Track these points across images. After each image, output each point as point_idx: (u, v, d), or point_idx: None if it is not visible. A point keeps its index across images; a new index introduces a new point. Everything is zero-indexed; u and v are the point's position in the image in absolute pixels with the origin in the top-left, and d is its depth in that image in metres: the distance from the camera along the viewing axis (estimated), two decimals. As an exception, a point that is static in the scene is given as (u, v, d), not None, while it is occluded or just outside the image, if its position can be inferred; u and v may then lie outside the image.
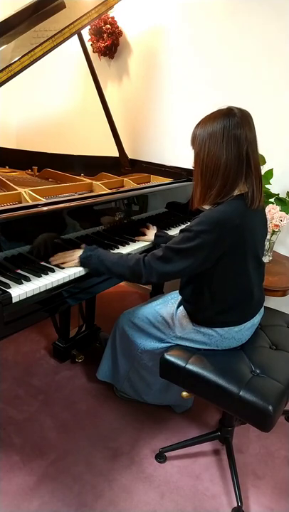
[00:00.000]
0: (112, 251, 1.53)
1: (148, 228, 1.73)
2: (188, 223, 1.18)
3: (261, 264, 1.32)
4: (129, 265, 1.27)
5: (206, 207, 1.22)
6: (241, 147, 1.11)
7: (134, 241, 1.65)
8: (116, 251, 1.54)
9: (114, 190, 1.71)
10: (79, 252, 1.35)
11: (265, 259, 1.89)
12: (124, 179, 1.97)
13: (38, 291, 1.17)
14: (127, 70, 2.45)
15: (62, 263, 1.33)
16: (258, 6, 1.90)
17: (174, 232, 1.85)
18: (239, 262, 1.20)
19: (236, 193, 1.17)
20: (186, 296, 1.35)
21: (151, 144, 2.46)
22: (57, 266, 1.32)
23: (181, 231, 1.18)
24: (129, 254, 1.34)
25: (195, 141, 1.17)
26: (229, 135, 1.10)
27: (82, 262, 1.33)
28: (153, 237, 1.64)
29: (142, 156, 2.38)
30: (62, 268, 1.31)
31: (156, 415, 1.66)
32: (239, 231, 1.14)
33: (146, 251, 1.62)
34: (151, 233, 1.68)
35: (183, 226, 1.92)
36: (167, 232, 1.73)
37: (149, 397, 1.60)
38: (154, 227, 1.74)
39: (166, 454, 1.48)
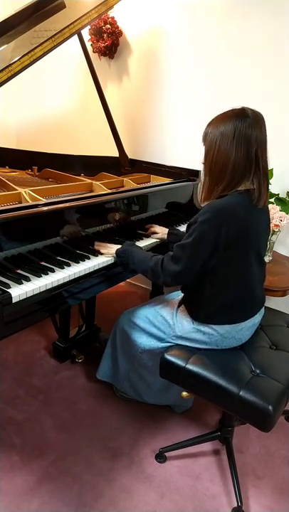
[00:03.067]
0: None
1: (155, 227, 1.74)
2: (194, 217, 1.21)
3: (263, 263, 1.32)
4: (150, 265, 1.32)
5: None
6: (251, 148, 1.13)
7: (137, 240, 1.65)
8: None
9: (114, 190, 1.71)
10: (118, 246, 1.45)
11: (265, 259, 1.89)
12: (124, 179, 1.97)
13: (38, 291, 1.17)
14: (127, 70, 2.45)
15: (102, 249, 1.45)
16: (257, 6, 1.90)
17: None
18: (242, 258, 1.21)
19: (242, 188, 1.19)
20: (188, 292, 1.36)
21: (151, 144, 2.46)
22: (90, 253, 1.43)
23: (189, 225, 1.22)
24: (154, 254, 1.38)
25: (206, 138, 1.21)
26: (240, 135, 1.13)
27: (118, 254, 1.42)
28: (166, 234, 1.66)
29: (142, 156, 2.37)
30: (98, 255, 1.43)
31: (156, 415, 1.66)
32: (243, 222, 1.16)
33: (152, 249, 1.63)
34: (163, 231, 1.69)
35: (183, 226, 1.93)
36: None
37: (149, 397, 1.60)
38: (160, 227, 1.76)
39: (166, 454, 1.48)
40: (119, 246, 1.45)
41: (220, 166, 1.17)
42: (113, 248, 1.45)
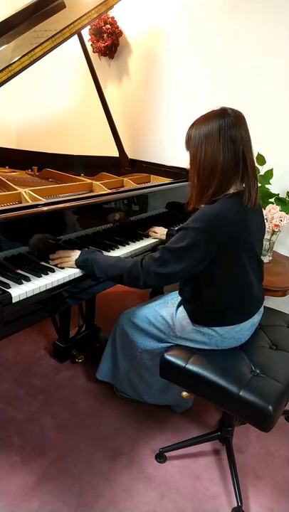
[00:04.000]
0: (112, 251, 1.54)
1: (155, 228, 1.74)
2: (185, 222, 1.19)
3: (260, 263, 1.32)
4: (126, 267, 1.25)
5: (202, 205, 1.22)
6: (238, 147, 1.12)
7: (133, 241, 1.65)
8: (116, 251, 1.54)
9: (114, 190, 1.71)
10: (76, 254, 1.34)
11: (265, 259, 1.89)
12: (124, 179, 1.97)
13: (38, 291, 1.18)
14: (127, 70, 2.45)
15: (60, 263, 1.32)
16: (257, 5, 1.90)
17: (174, 232, 1.85)
18: (236, 261, 1.20)
19: (232, 191, 1.18)
20: (185, 296, 1.35)
21: (151, 144, 2.46)
22: (56, 266, 1.32)
23: (178, 229, 1.19)
24: (126, 257, 1.33)
25: (190, 142, 1.18)
26: (226, 135, 1.11)
27: (79, 265, 1.32)
28: (164, 235, 1.65)
29: (142, 156, 2.37)
30: (62, 268, 1.31)
31: (156, 415, 1.65)
32: (234, 228, 1.15)
33: (145, 252, 1.62)
34: (162, 231, 1.68)
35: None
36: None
37: (149, 397, 1.60)
38: (160, 227, 1.75)
39: (166, 454, 1.48)
40: (76, 254, 1.33)
41: (208, 169, 1.14)
42: (71, 258, 1.33)
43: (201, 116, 1.18)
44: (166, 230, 1.69)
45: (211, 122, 1.13)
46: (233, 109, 1.15)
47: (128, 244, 1.62)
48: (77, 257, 1.33)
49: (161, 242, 1.68)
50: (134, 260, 1.26)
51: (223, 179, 1.14)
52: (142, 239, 1.69)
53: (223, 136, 1.11)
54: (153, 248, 1.66)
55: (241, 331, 1.31)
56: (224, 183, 1.15)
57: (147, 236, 1.72)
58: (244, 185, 1.17)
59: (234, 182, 1.16)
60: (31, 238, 1.29)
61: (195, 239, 1.12)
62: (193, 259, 1.15)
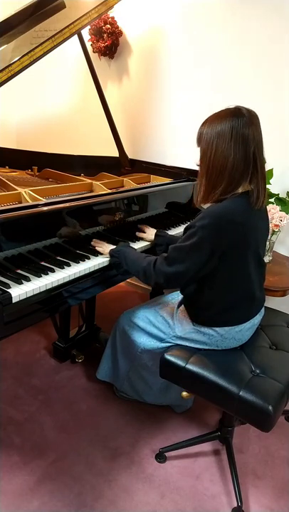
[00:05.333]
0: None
1: (145, 228, 1.72)
2: (192, 221, 1.19)
3: (262, 264, 1.32)
4: (143, 266, 1.29)
5: (209, 204, 1.22)
6: (249, 147, 1.11)
7: (134, 241, 1.64)
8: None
9: (114, 190, 1.71)
10: (113, 246, 1.44)
11: (265, 259, 1.89)
12: (124, 179, 1.97)
13: (38, 291, 1.17)
14: (127, 70, 2.45)
15: (98, 246, 1.45)
16: (258, 5, 1.90)
17: (174, 232, 1.85)
18: (240, 261, 1.20)
19: (240, 190, 1.17)
20: (187, 295, 1.35)
21: (151, 144, 2.46)
22: (90, 253, 1.43)
23: (186, 228, 1.19)
24: (148, 255, 1.36)
25: (202, 139, 1.17)
26: (238, 135, 1.10)
27: (112, 254, 1.40)
28: (153, 237, 1.64)
29: (142, 156, 2.37)
30: (95, 255, 1.42)
31: (156, 415, 1.66)
32: (241, 228, 1.14)
33: (146, 251, 1.62)
34: (151, 232, 1.67)
35: (183, 226, 1.93)
36: (167, 232, 1.73)
37: (149, 397, 1.60)
38: (150, 228, 1.73)
39: (166, 454, 1.48)
40: (114, 246, 1.44)
41: (218, 167, 1.14)
42: (108, 247, 1.44)
43: (214, 114, 1.17)
44: (156, 230, 1.66)
45: (224, 121, 1.12)
46: (247, 109, 1.14)
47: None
48: (113, 247, 1.42)
49: (154, 243, 1.64)
50: (150, 259, 1.29)
51: (232, 178, 1.14)
52: (139, 240, 1.68)
53: (234, 135, 1.10)
54: (153, 248, 1.65)
55: (242, 332, 1.31)
56: (233, 183, 1.15)
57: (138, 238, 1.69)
58: (252, 187, 1.17)
59: (243, 182, 1.16)
60: (36, 238, 1.29)
61: (202, 237, 1.13)
62: (199, 257, 1.16)
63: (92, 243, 1.48)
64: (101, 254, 1.44)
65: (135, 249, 1.46)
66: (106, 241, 1.51)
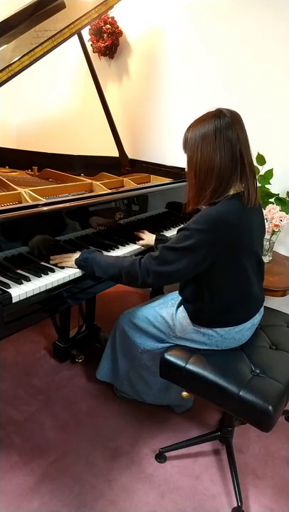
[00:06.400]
0: (112, 251, 1.54)
1: (143, 233, 1.70)
2: (186, 223, 1.18)
3: (261, 263, 1.32)
4: (124, 266, 1.25)
5: (203, 206, 1.22)
6: (234, 147, 1.12)
7: (134, 241, 1.64)
8: (116, 251, 1.54)
9: (114, 190, 1.71)
10: (77, 255, 1.35)
11: (265, 259, 1.89)
12: (124, 179, 1.97)
13: (38, 291, 1.18)
14: (127, 70, 2.45)
15: (60, 263, 1.33)
16: (258, 5, 1.90)
17: (173, 232, 1.85)
18: (237, 262, 1.20)
19: (232, 192, 1.17)
20: (186, 296, 1.35)
21: (151, 144, 2.46)
22: (55, 265, 1.32)
23: (179, 230, 1.19)
24: (125, 256, 1.33)
25: (187, 144, 1.18)
26: (222, 136, 1.11)
27: (79, 264, 1.33)
28: (152, 241, 1.63)
29: (142, 156, 2.37)
30: (62, 268, 1.31)
31: (156, 415, 1.65)
32: (236, 230, 1.14)
33: (146, 251, 1.62)
34: (150, 237, 1.66)
35: (175, 228, 1.93)
36: (166, 232, 1.73)
37: (149, 397, 1.60)
38: (148, 233, 1.71)
39: (166, 454, 1.48)
40: (77, 255, 1.34)
41: (205, 170, 1.14)
42: (71, 258, 1.34)
43: (197, 119, 1.18)
44: (155, 235, 1.65)
45: (206, 124, 1.13)
46: (229, 110, 1.15)
47: (128, 244, 1.62)
48: (77, 256, 1.34)
49: (148, 248, 1.62)
50: (133, 259, 1.26)
51: (220, 179, 1.14)
52: (129, 244, 1.66)
53: (219, 136, 1.11)
54: (149, 251, 1.64)
55: (241, 332, 1.31)
56: (222, 184, 1.15)
57: (134, 242, 1.67)
58: (243, 186, 1.17)
59: (233, 182, 1.16)
60: (31, 238, 1.29)
61: (196, 240, 1.12)
62: (193, 260, 1.15)
63: (50, 262, 1.33)
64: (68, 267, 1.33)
65: (101, 252, 1.40)
66: (101, 240, 1.47)
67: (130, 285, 1.30)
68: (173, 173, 2.14)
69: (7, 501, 1.27)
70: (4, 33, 1.60)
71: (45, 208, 1.32)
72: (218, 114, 1.13)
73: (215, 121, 1.12)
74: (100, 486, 1.35)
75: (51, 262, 1.33)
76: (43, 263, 1.32)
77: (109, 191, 1.69)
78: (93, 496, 1.31)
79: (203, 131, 1.13)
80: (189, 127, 1.18)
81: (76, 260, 1.33)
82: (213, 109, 1.16)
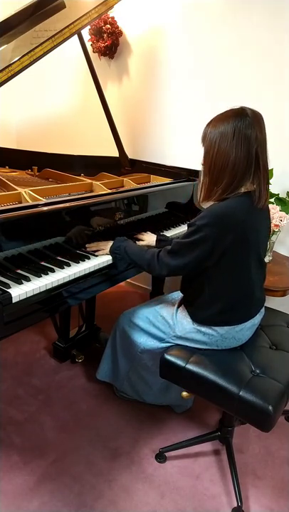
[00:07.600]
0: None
1: (141, 236, 1.70)
2: (194, 219, 1.20)
3: (263, 264, 1.32)
4: (146, 258, 1.34)
5: (211, 202, 1.23)
6: (251, 147, 1.13)
7: (134, 241, 1.64)
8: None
9: (114, 190, 1.71)
10: (110, 243, 1.45)
11: (265, 259, 1.88)
12: (124, 179, 1.97)
13: (38, 291, 1.17)
14: (127, 69, 2.45)
15: (96, 251, 1.45)
16: (258, 5, 1.90)
17: (174, 232, 1.85)
18: (241, 260, 1.21)
19: (243, 190, 1.18)
20: (187, 295, 1.36)
21: (151, 143, 2.46)
22: (90, 253, 1.43)
23: (189, 225, 1.22)
24: (149, 247, 1.43)
25: (206, 138, 1.20)
26: (240, 135, 1.12)
27: (113, 251, 1.43)
28: (154, 242, 1.63)
29: (142, 156, 2.37)
30: (95, 256, 1.42)
31: (156, 415, 1.66)
32: (242, 227, 1.16)
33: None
34: (150, 238, 1.66)
35: (183, 226, 1.93)
36: (166, 232, 1.73)
37: (149, 397, 1.60)
38: (149, 234, 1.72)
39: (166, 454, 1.48)
40: (111, 243, 1.45)
41: (219, 165, 1.16)
42: (106, 246, 1.46)
43: (219, 114, 1.19)
44: (156, 236, 1.65)
45: (227, 121, 1.14)
46: (252, 110, 1.16)
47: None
48: (110, 244, 1.44)
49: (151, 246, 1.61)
50: (153, 251, 1.34)
51: (233, 176, 1.15)
52: (142, 239, 1.68)
53: (237, 135, 1.12)
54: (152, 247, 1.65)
55: (242, 331, 1.31)
56: (235, 181, 1.16)
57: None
58: (255, 186, 1.18)
59: (245, 181, 1.17)
60: (35, 238, 1.29)
61: (202, 235, 1.15)
62: (200, 254, 1.19)
63: (87, 249, 1.47)
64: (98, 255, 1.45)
65: (134, 242, 1.48)
66: (98, 240, 1.50)
67: (150, 274, 1.43)
68: (173, 173, 2.13)
69: (7, 501, 1.27)
70: (4, 33, 1.60)
71: (45, 208, 1.32)
72: (241, 113, 1.14)
73: (236, 119, 1.13)
74: (100, 486, 1.35)
75: (87, 249, 1.46)
76: (43, 263, 1.32)
77: (110, 191, 1.69)
78: (93, 496, 1.31)
79: (223, 129, 1.14)
80: (210, 122, 1.20)
81: (111, 248, 1.43)
82: (237, 107, 1.17)
